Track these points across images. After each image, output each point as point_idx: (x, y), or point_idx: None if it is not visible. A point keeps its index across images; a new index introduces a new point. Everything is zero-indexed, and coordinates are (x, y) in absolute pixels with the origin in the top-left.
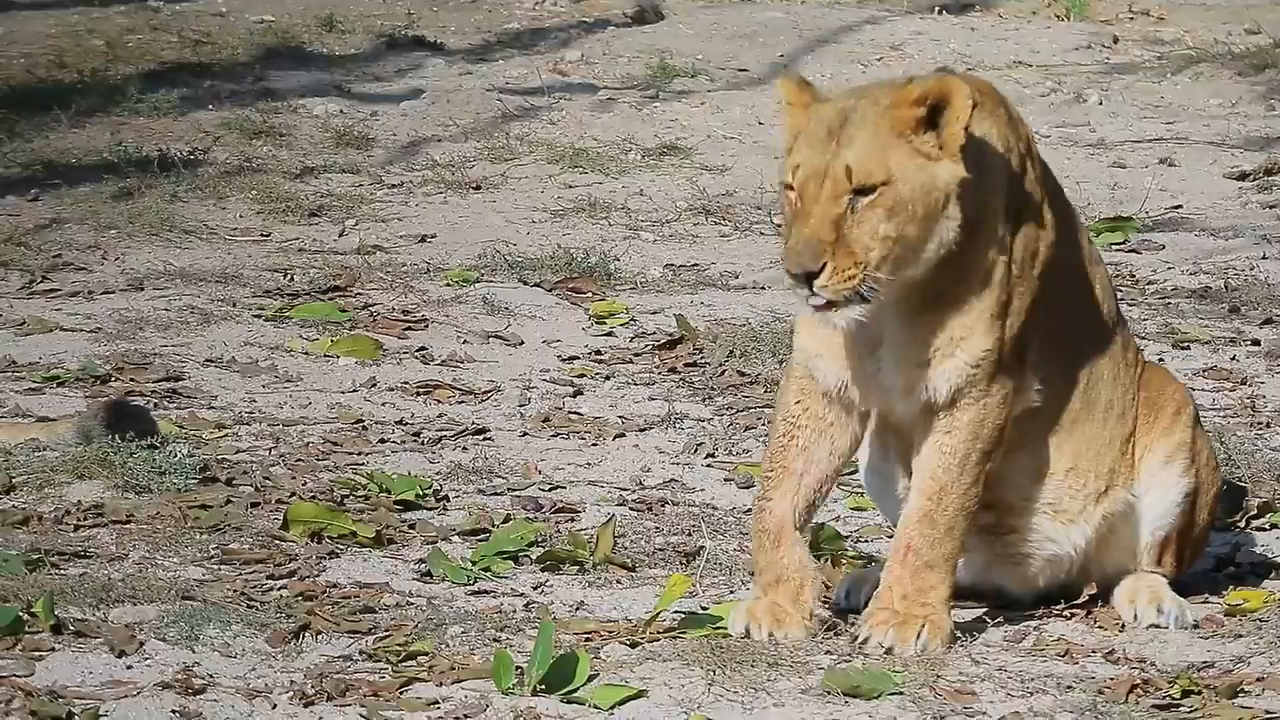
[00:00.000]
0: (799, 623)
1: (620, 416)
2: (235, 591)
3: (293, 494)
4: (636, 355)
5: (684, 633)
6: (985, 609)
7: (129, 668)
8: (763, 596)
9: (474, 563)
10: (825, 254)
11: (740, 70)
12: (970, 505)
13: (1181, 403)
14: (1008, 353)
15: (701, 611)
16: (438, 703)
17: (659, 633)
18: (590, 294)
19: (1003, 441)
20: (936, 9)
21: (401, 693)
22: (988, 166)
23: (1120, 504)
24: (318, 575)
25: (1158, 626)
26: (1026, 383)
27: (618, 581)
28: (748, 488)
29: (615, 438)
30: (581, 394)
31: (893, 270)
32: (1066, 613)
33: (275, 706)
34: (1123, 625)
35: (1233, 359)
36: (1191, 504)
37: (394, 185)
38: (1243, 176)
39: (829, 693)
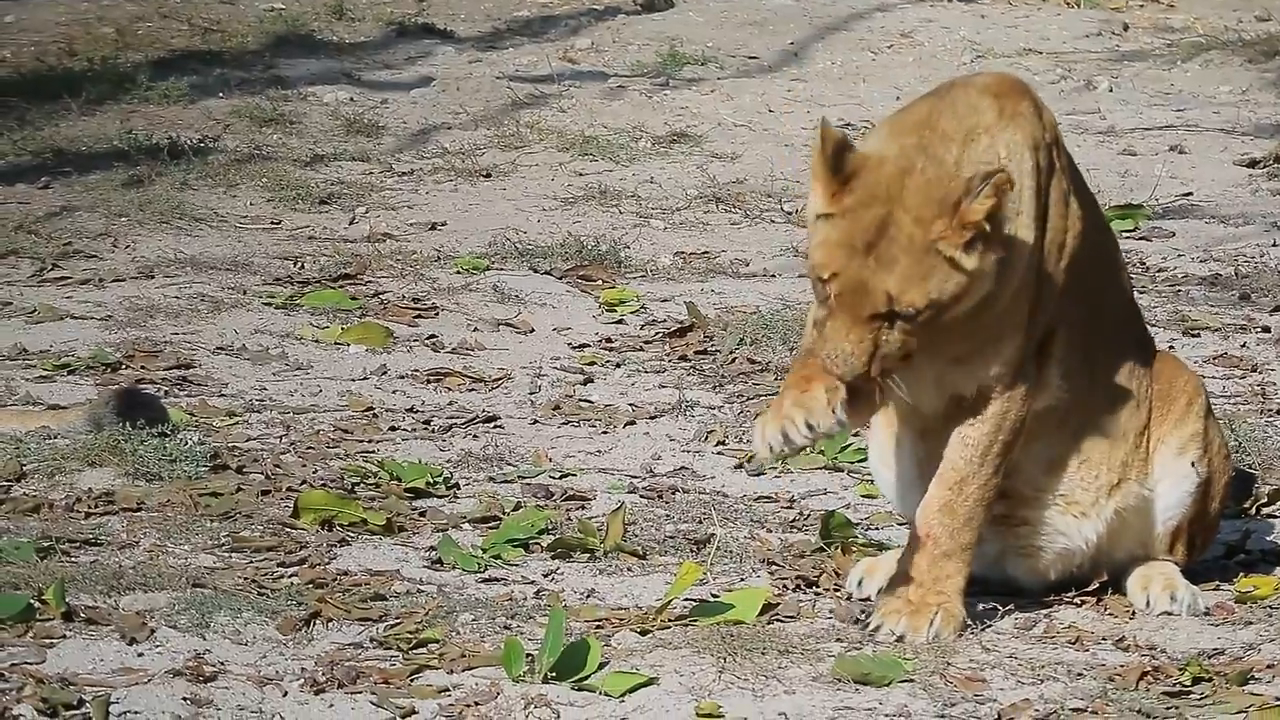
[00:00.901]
0: (828, 413)
1: (631, 404)
2: (246, 579)
3: (303, 481)
4: (647, 343)
5: (695, 620)
6: (997, 597)
7: (140, 655)
8: (790, 390)
9: (484, 550)
10: (862, 368)
11: (750, 58)
12: (989, 496)
13: (1194, 393)
14: (1033, 345)
15: (712, 599)
16: (448, 690)
17: (670, 620)
18: (600, 281)
19: (1022, 433)
20: None
21: (412, 680)
22: (1020, 175)
23: (1133, 498)
24: (328, 563)
25: (1170, 614)
26: (1050, 375)
27: (628, 569)
28: (759, 475)
29: (626, 425)
30: (592, 382)
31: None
32: (1077, 600)
33: (286, 694)
34: (1133, 612)
35: (1243, 346)
36: (1204, 494)
37: (404, 173)
38: (1253, 164)
39: (839, 680)
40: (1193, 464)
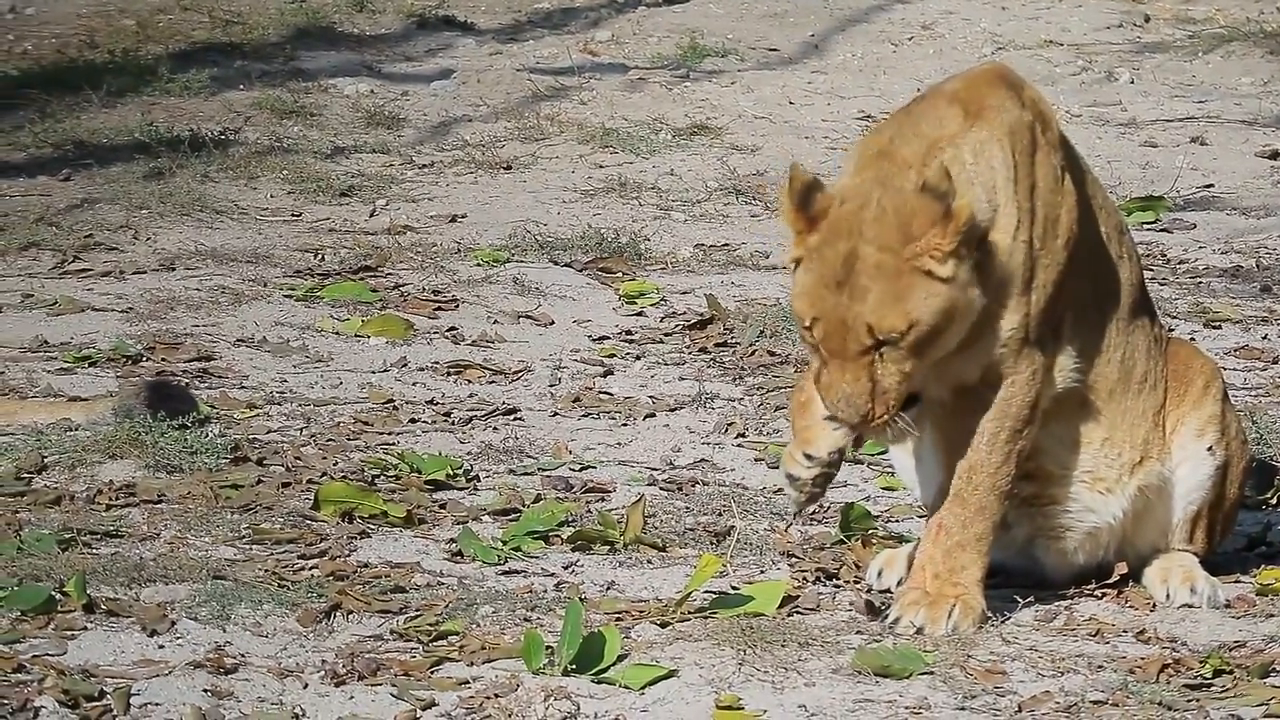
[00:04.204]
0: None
1: (651, 396)
2: (266, 571)
3: (324, 474)
4: (667, 335)
5: (715, 613)
6: (1017, 589)
7: (161, 647)
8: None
9: (504, 542)
10: (866, 406)
11: (771, 50)
12: (1002, 484)
13: (1210, 376)
14: (1037, 327)
15: (732, 592)
16: (468, 682)
17: (689, 613)
18: (620, 274)
19: (1035, 419)
20: None
21: (432, 672)
22: (992, 171)
23: (1154, 477)
24: (349, 555)
25: (1190, 606)
26: (1059, 359)
27: (648, 561)
28: (778, 467)
29: (645, 418)
30: (612, 374)
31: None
32: (1097, 592)
33: (306, 686)
34: (1154, 605)
35: (1264, 338)
36: (1222, 477)
37: (425, 165)
38: (1274, 155)
39: (860, 672)
40: (1210, 448)
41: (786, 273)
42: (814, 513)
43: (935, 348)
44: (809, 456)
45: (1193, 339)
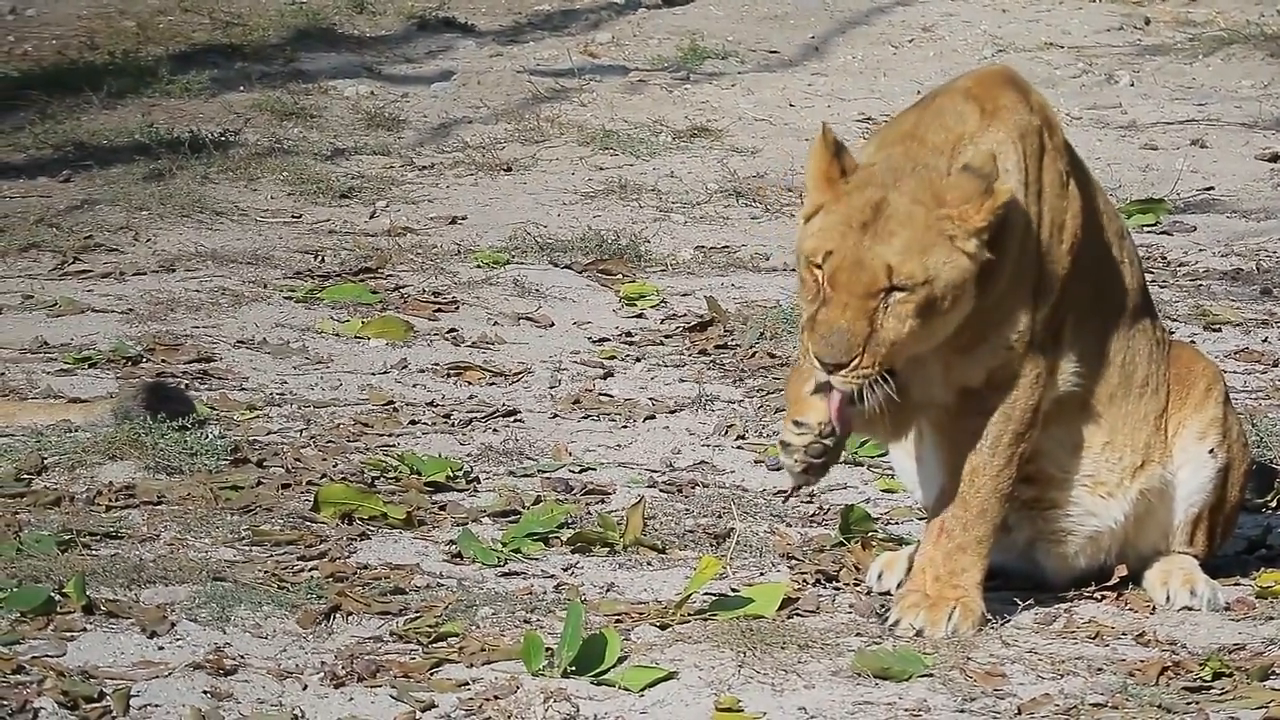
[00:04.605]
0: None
1: (651, 398)
2: (266, 572)
3: (323, 475)
4: (667, 337)
5: (714, 615)
6: (1017, 592)
7: (160, 648)
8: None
9: (504, 544)
10: (857, 349)
11: (771, 52)
12: (1004, 488)
13: (1212, 379)
14: (1041, 331)
15: (732, 594)
16: (468, 684)
17: (689, 615)
18: (621, 276)
19: (1036, 423)
20: None
21: (432, 674)
22: (1006, 174)
23: (1156, 480)
24: (348, 556)
25: (1190, 609)
26: (1061, 363)
27: (648, 563)
28: (778, 470)
29: (645, 419)
30: (612, 376)
31: (911, 356)
32: (1097, 595)
33: (306, 687)
34: (1153, 607)
35: (1264, 341)
36: (1224, 480)
37: (425, 167)
38: (1274, 158)
39: (859, 674)
40: (1212, 450)
41: (788, 266)
42: (813, 514)
43: (933, 322)
44: (798, 424)
45: (1193, 342)
